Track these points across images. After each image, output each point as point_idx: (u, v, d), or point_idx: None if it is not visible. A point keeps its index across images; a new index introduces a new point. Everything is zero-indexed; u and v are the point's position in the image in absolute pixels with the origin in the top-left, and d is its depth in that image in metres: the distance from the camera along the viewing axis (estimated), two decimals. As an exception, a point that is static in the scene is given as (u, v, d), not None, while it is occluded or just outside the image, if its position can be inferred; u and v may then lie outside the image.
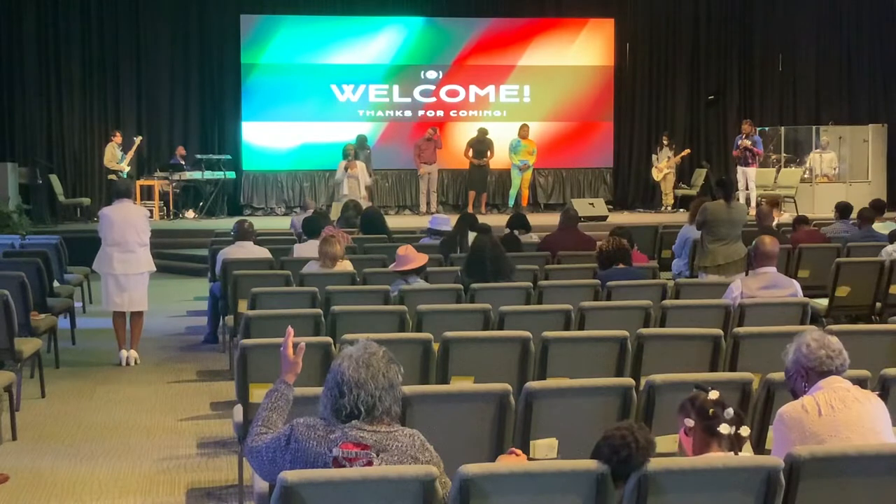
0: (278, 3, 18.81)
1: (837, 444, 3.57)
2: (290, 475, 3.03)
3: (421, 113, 19.19)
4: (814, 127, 19.09)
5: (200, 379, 8.45)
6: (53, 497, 5.64)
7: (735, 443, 3.37)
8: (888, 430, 3.74)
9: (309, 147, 18.78)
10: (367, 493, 3.06)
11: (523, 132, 17.70)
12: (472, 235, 8.75)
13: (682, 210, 17.86)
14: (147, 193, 17.35)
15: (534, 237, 10.26)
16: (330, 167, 18.59)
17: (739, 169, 16.96)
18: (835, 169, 18.19)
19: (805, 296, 6.95)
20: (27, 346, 7.47)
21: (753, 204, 15.58)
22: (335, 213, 13.14)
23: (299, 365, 3.57)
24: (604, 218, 16.05)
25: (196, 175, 17.51)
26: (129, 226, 8.87)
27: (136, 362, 8.91)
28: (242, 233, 9.38)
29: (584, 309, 6.23)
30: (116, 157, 16.72)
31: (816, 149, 18.36)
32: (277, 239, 11.49)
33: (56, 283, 9.93)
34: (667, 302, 6.58)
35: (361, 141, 17.31)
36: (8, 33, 17.63)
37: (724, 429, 3.35)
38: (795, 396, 3.83)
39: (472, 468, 3.08)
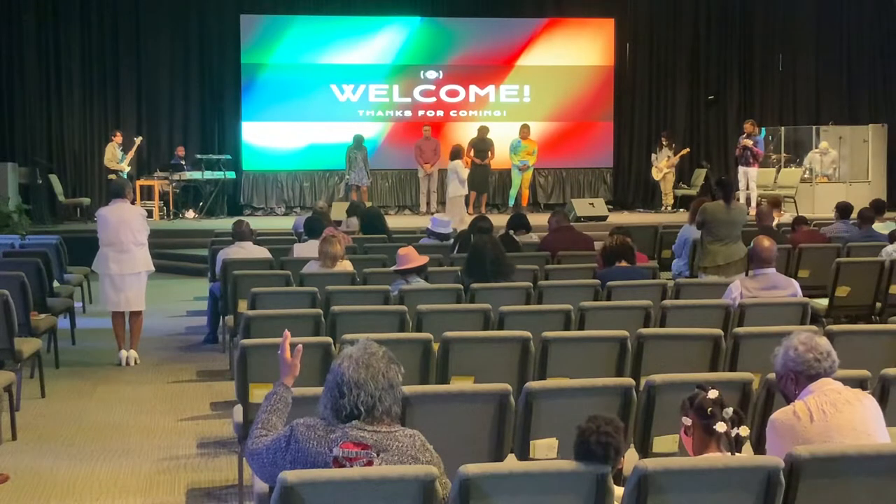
0: (278, 4, 18.81)
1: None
2: (290, 475, 3.03)
3: (421, 113, 19.17)
4: (814, 127, 19.08)
5: (200, 379, 8.45)
6: (53, 497, 5.64)
7: (734, 443, 3.37)
8: (881, 430, 3.71)
9: (309, 147, 18.77)
10: (367, 493, 3.06)
11: (524, 132, 17.68)
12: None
13: (682, 210, 17.85)
14: (147, 193, 17.35)
15: (534, 237, 10.25)
16: (330, 167, 18.64)
17: (740, 168, 16.90)
18: (835, 168, 18.18)
19: (805, 296, 6.95)
20: (27, 346, 7.47)
21: (754, 204, 15.55)
22: (336, 213, 13.13)
23: (297, 367, 3.56)
24: (604, 218, 16.07)
25: (196, 175, 17.50)
26: (124, 226, 8.87)
27: (135, 362, 8.91)
28: (241, 233, 9.39)
29: (584, 309, 6.23)
30: (117, 157, 16.71)
31: (815, 150, 18.34)
32: (277, 239, 11.49)
33: (56, 283, 9.92)
34: (667, 302, 6.57)
35: (358, 141, 17.31)
36: (8, 33, 17.62)
37: (721, 427, 3.35)
38: (787, 400, 3.80)
39: (472, 468, 3.08)
